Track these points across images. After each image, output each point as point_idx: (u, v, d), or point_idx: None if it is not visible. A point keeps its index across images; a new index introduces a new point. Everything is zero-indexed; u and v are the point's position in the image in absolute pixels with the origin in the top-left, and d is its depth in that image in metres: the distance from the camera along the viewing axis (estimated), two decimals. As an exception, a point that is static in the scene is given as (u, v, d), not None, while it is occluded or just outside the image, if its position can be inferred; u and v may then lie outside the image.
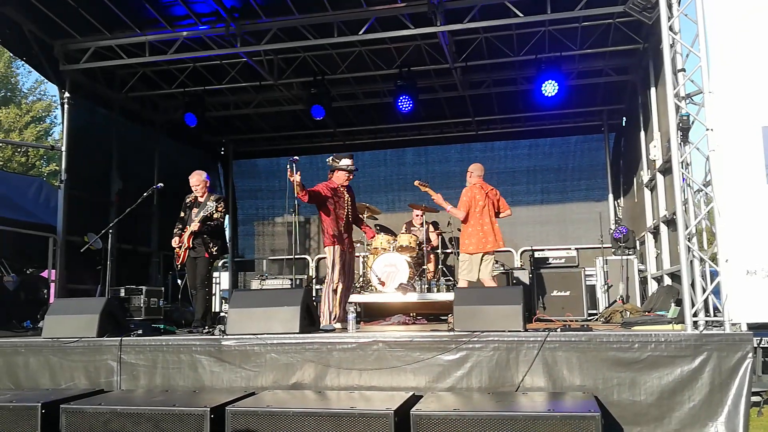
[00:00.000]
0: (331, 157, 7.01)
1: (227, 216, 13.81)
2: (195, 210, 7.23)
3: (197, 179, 7.34)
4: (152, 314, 9.40)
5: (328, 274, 6.82)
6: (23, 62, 9.55)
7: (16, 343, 6.25)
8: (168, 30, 9.03)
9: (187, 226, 7.16)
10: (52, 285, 9.01)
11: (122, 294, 9.38)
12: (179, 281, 7.98)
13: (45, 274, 9.41)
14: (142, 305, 9.37)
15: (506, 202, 7.71)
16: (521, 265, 11.06)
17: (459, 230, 7.73)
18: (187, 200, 7.40)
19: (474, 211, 7.37)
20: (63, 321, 6.27)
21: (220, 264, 14.54)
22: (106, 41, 9.28)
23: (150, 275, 11.40)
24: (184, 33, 9.03)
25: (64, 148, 9.49)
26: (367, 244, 9.59)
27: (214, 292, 10.58)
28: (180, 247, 7.15)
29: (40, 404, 5.00)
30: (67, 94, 9.54)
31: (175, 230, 7.29)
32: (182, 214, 7.35)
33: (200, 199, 7.30)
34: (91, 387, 5.82)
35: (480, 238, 7.34)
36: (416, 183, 7.58)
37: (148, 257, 11.49)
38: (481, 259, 7.35)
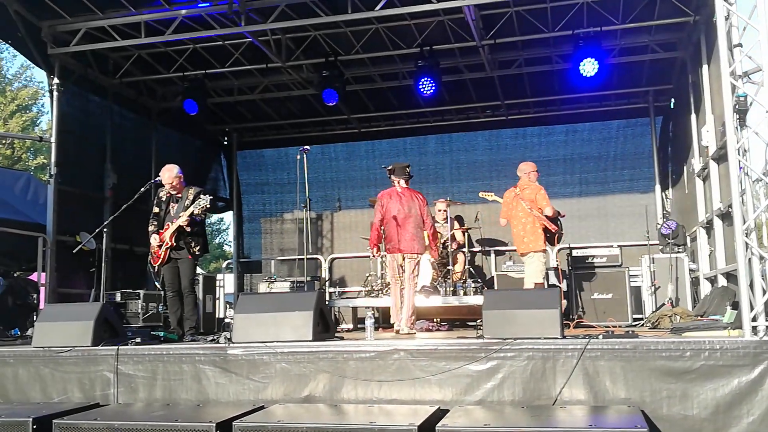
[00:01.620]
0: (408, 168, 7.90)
1: (231, 213, 14.03)
2: (173, 205, 7.27)
3: (169, 176, 7.27)
4: (151, 321, 9.49)
5: (414, 278, 7.65)
6: (8, 45, 9.66)
7: (3, 353, 6.35)
8: (165, 8, 9.08)
9: (167, 223, 7.20)
10: (42, 289, 9.12)
11: (118, 299, 9.49)
12: (157, 283, 8.08)
13: (34, 277, 9.54)
14: (139, 311, 9.48)
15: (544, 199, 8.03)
16: (557, 265, 11.00)
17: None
18: (162, 194, 7.40)
19: (510, 214, 8.12)
20: (54, 328, 6.36)
21: (224, 266, 14.64)
22: (99, 21, 9.35)
23: (148, 278, 11.48)
24: (183, 11, 9.07)
25: (53, 140, 9.60)
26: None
27: (218, 296, 10.66)
28: (160, 246, 7.19)
29: (31, 419, 5.07)
30: (56, 80, 9.63)
31: (150, 228, 7.30)
32: (156, 210, 7.36)
33: (177, 195, 7.34)
34: (85, 400, 5.90)
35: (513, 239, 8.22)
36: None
37: (145, 258, 11.51)
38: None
